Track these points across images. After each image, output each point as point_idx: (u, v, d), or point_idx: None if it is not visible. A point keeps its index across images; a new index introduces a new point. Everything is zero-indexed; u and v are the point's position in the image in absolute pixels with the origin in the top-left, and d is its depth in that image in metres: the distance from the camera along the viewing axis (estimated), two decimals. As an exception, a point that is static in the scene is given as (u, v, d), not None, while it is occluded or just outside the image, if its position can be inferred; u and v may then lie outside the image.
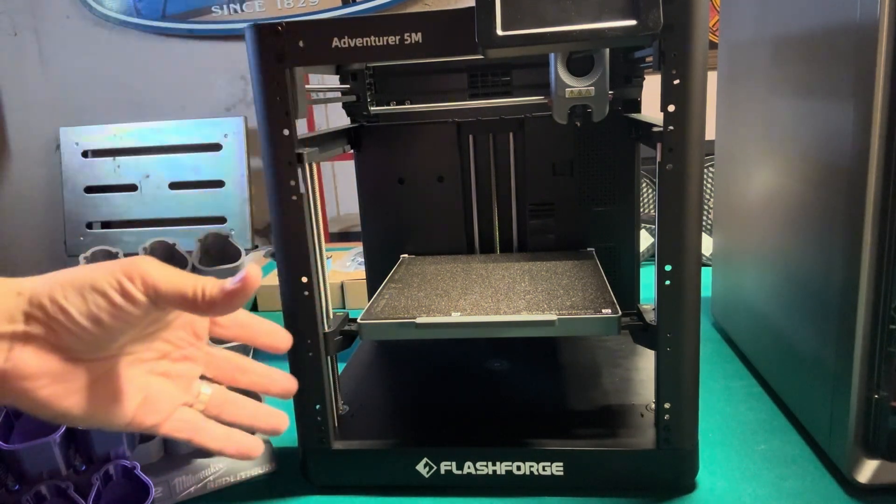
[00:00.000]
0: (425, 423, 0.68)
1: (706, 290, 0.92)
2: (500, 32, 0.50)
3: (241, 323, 0.44)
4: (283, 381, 0.46)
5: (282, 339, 0.45)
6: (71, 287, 0.35)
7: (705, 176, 1.00)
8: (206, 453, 0.66)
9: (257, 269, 0.36)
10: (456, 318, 0.62)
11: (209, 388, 0.44)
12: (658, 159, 0.55)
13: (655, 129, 0.55)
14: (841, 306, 0.59)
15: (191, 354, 0.43)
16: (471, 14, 0.51)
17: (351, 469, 0.65)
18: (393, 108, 0.87)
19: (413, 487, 0.64)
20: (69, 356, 0.36)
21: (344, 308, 1.17)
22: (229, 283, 0.36)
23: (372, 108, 0.86)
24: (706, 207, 1.38)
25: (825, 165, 0.62)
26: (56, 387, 0.36)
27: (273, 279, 1.21)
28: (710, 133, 0.74)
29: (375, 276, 0.91)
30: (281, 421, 0.45)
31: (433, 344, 0.87)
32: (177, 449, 0.65)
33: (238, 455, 0.42)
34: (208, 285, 0.36)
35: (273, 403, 0.78)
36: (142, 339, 0.40)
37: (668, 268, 0.56)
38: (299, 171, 0.58)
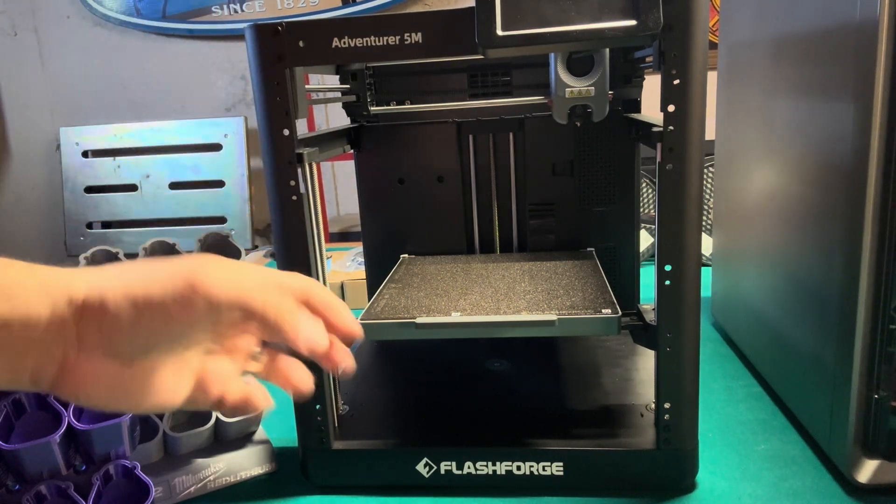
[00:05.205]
0: (425, 423, 0.68)
1: (706, 290, 0.92)
2: (500, 32, 0.50)
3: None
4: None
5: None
6: (125, 300, 0.34)
7: (705, 176, 1.00)
8: (206, 453, 0.66)
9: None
10: (456, 318, 0.62)
11: (259, 349, 0.42)
12: (658, 159, 0.55)
13: (655, 129, 0.55)
14: (841, 306, 0.59)
15: (247, 329, 0.40)
16: (471, 14, 0.51)
17: (351, 469, 0.65)
18: (393, 108, 0.87)
19: (413, 487, 0.64)
20: (123, 359, 0.35)
21: (344, 308, 1.17)
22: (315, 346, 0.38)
23: (372, 108, 0.85)
24: (706, 207, 1.38)
25: (825, 165, 0.62)
26: (109, 389, 0.36)
27: (273, 279, 1.21)
28: (710, 133, 0.74)
29: (375, 276, 0.91)
30: (307, 381, 0.42)
31: (433, 344, 0.87)
32: (177, 449, 0.65)
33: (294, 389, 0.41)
34: (278, 313, 0.37)
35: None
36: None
37: (668, 268, 0.56)
38: (299, 171, 0.58)
